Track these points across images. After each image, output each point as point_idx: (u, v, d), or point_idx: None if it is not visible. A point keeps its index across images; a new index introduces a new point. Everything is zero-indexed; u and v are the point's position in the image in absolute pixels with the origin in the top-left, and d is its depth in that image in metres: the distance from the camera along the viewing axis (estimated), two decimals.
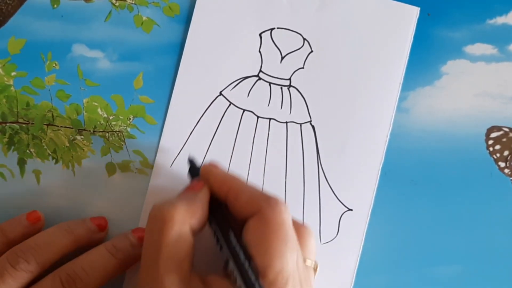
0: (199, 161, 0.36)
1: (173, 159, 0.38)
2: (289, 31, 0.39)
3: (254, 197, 0.31)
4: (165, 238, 0.29)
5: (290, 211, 0.31)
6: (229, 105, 0.38)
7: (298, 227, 0.33)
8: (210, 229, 0.32)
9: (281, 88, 0.39)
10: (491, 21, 0.39)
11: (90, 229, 0.36)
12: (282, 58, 0.39)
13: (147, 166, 0.38)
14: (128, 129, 0.38)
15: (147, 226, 0.31)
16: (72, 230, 0.35)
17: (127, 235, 0.35)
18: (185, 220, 0.30)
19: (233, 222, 0.31)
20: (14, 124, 0.38)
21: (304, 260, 0.32)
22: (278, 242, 0.29)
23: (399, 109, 0.39)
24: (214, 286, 0.30)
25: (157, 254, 0.29)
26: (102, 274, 0.33)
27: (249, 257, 0.29)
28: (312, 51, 0.39)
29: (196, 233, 0.31)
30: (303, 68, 0.39)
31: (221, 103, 0.38)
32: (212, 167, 0.33)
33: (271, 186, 0.38)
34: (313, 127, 0.39)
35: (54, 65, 0.38)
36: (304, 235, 0.33)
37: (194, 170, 0.35)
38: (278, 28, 0.39)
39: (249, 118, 0.39)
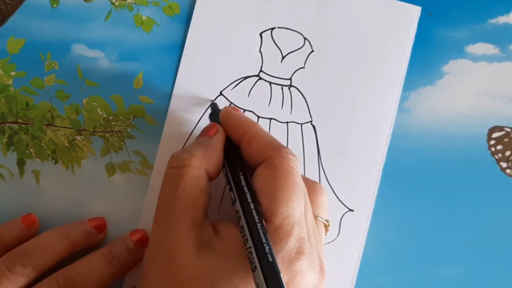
0: (219, 106, 0.37)
1: None
2: (290, 31, 0.39)
3: (266, 144, 0.31)
4: (182, 183, 0.30)
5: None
6: (229, 105, 0.38)
7: (310, 183, 0.33)
8: (223, 170, 0.33)
9: (282, 88, 0.39)
10: (493, 21, 0.39)
11: (87, 231, 0.36)
12: (283, 57, 0.39)
13: (147, 166, 0.38)
14: (128, 129, 0.38)
15: (165, 174, 0.31)
16: (69, 234, 0.35)
17: (125, 240, 0.35)
18: (202, 167, 0.31)
19: (245, 167, 0.32)
20: (14, 124, 0.38)
21: (315, 217, 0.32)
22: (285, 189, 0.29)
23: (400, 109, 0.39)
24: (223, 232, 0.30)
25: (172, 198, 0.30)
26: (99, 280, 0.33)
27: (255, 201, 0.29)
28: (313, 51, 0.39)
29: (212, 177, 0.32)
30: (304, 67, 0.39)
31: (222, 103, 0.38)
32: (232, 110, 0.34)
33: None
34: (313, 127, 0.39)
35: (53, 65, 0.38)
36: (316, 191, 0.33)
37: (214, 114, 0.35)
38: (278, 27, 0.39)
39: None
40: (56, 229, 0.35)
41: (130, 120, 0.38)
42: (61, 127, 0.38)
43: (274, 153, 0.30)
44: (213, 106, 0.36)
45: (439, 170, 0.39)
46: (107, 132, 0.38)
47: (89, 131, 0.38)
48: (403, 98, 0.39)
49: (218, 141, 0.33)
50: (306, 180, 0.33)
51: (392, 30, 0.38)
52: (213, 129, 0.33)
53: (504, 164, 0.39)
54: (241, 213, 0.29)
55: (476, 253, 0.39)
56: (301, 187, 0.30)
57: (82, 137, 0.38)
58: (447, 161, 0.39)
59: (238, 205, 0.30)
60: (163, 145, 0.38)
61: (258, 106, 0.38)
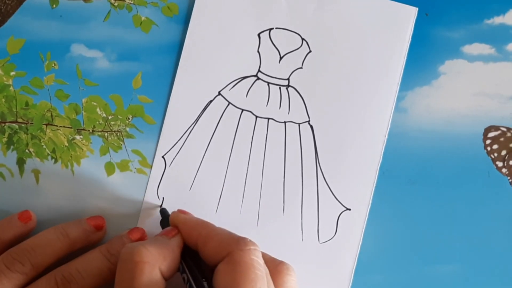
0: (169, 212, 0.36)
1: (172, 158, 0.38)
2: (288, 31, 0.39)
3: (223, 241, 0.31)
4: (136, 281, 0.29)
5: (261, 249, 0.31)
6: (228, 105, 0.39)
7: (276, 265, 0.32)
8: (182, 278, 0.32)
9: (280, 88, 0.39)
10: (489, 21, 0.39)
11: (86, 230, 0.36)
12: (281, 58, 0.39)
13: (146, 165, 0.38)
14: (127, 129, 0.38)
15: (118, 268, 0.30)
16: (67, 233, 0.35)
17: (123, 238, 0.35)
18: (156, 263, 0.30)
19: (206, 270, 0.31)
20: (13, 124, 0.38)
21: None
22: (247, 285, 0.29)
23: (397, 108, 0.39)
24: None
25: None
26: (97, 278, 0.34)
27: None
28: (310, 51, 0.39)
29: (166, 278, 0.31)
30: (301, 68, 0.39)
31: (220, 103, 0.39)
32: (180, 214, 0.34)
33: (269, 186, 0.38)
34: (311, 127, 0.39)
35: (53, 65, 0.38)
36: (282, 273, 0.32)
37: (164, 221, 0.36)
38: (276, 28, 0.39)
39: (247, 118, 0.39)
40: (55, 227, 0.35)
41: (129, 120, 0.38)
42: (60, 126, 0.38)
43: (234, 247, 0.30)
44: (162, 212, 0.36)
45: (435, 169, 0.39)
46: (106, 132, 0.38)
47: (89, 130, 0.38)
48: (399, 98, 0.39)
49: (175, 243, 0.32)
50: (272, 262, 0.32)
51: (389, 30, 0.39)
52: (172, 232, 0.33)
53: (499, 163, 0.39)
54: None
55: (472, 252, 0.39)
56: (263, 279, 0.29)
57: (81, 136, 0.38)
58: (444, 160, 0.39)
59: None
60: (161, 144, 0.38)
61: (256, 106, 0.39)
